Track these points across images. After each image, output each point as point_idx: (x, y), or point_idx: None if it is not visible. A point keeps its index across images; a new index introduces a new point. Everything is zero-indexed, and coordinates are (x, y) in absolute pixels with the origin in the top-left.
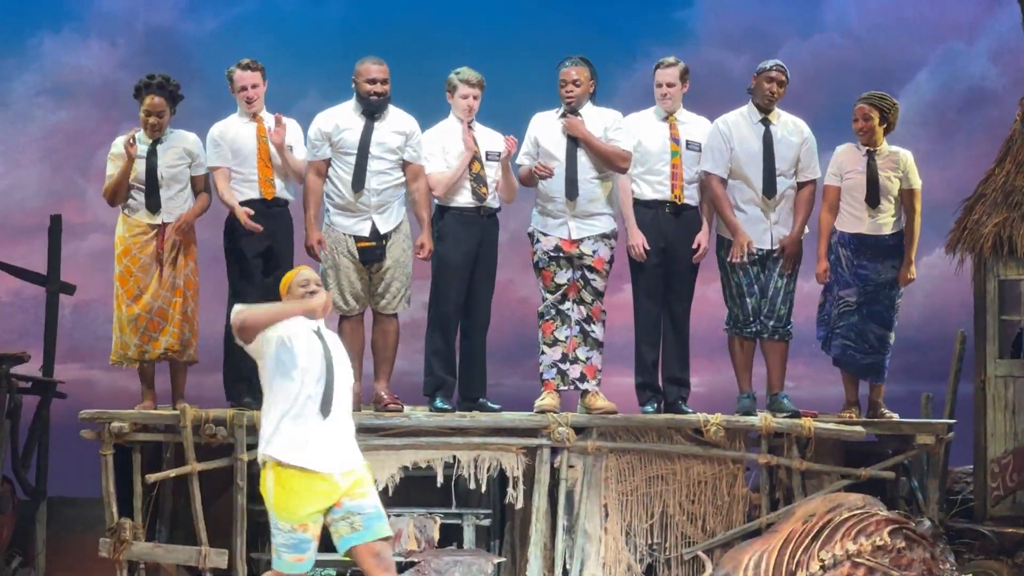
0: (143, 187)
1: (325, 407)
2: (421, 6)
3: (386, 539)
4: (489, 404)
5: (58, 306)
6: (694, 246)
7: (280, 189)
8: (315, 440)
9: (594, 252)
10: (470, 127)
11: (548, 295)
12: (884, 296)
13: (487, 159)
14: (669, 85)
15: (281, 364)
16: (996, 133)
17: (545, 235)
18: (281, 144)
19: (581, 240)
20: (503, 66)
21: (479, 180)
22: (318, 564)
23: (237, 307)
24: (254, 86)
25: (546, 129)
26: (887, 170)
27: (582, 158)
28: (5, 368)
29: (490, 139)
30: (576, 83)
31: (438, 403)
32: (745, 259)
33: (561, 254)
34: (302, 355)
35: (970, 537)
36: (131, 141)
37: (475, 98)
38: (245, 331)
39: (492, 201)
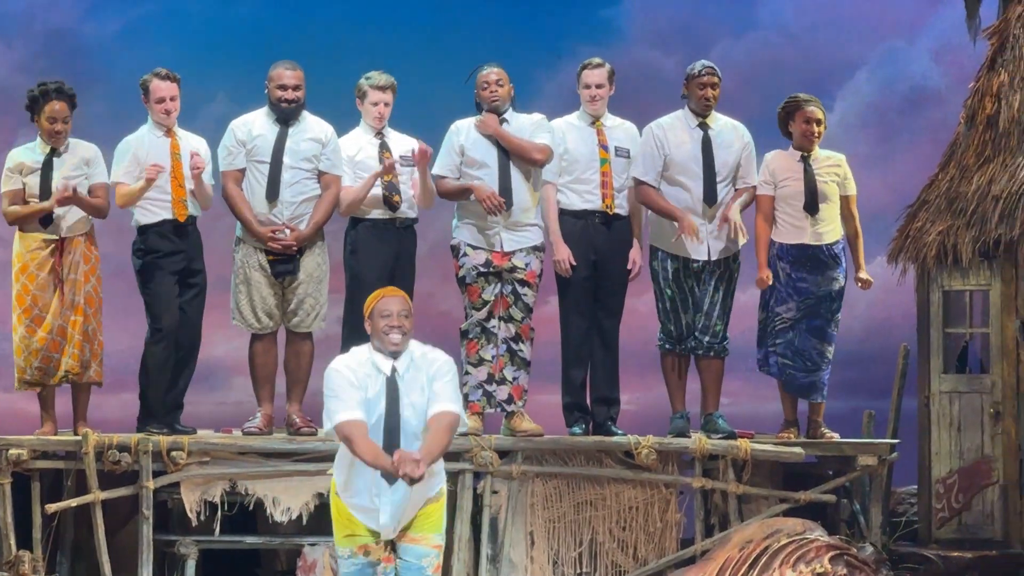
0: (37, 200)
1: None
2: (336, 6)
3: None
4: None
5: None
6: (628, 266)
7: (191, 208)
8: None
9: (526, 265)
10: (381, 134)
11: (474, 311)
12: (825, 309)
13: (401, 165)
14: (597, 87)
15: None
16: (939, 136)
17: (474, 248)
18: (199, 177)
19: (513, 253)
20: (419, 69)
21: (392, 188)
22: None
23: (339, 424)
24: (172, 98)
25: (470, 137)
26: (825, 176)
27: (514, 165)
28: None
29: (403, 144)
30: (499, 83)
31: None
32: (699, 238)
33: (491, 269)
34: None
35: (915, 562)
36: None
37: (386, 104)
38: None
39: (408, 210)
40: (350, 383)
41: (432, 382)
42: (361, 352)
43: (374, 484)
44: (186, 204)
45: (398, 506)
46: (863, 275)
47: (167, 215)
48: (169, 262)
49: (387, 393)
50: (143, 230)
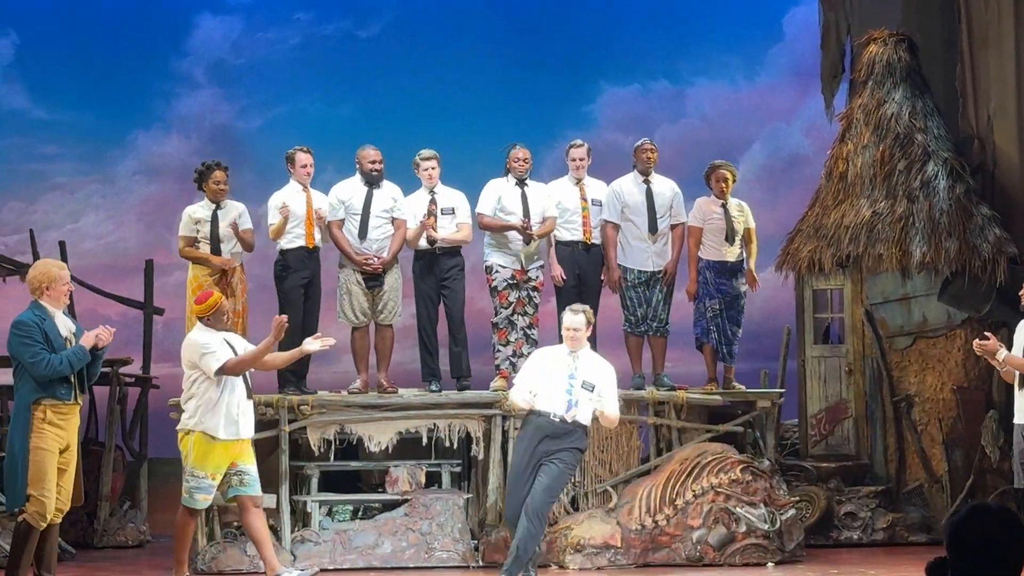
0: (208, 241)
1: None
2: (404, 108)
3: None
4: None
5: (152, 323)
6: (602, 277)
7: (317, 240)
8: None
9: (536, 277)
10: (432, 191)
11: (503, 310)
12: (735, 303)
13: (442, 214)
14: (580, 159)
15: None
16: (809, 186)
17: (503, 267)
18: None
19: (529, 270)
20: (462, 146)
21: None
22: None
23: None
24: (311, 164)
25: (506, 194)
26: (736, 216)
27: (535, 213)
28: (115, 369)
29: (450, 197)
30: (526, 160)
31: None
32: (614, 288)
33: (514, 280)
34: None
35: (797, 471)
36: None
37: (433, 168)
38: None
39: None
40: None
41: None
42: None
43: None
44: (315, 236)
45: None
46: (753, 276)
47: (302, 243)
48: (297, 277)
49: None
50: (283, 253)
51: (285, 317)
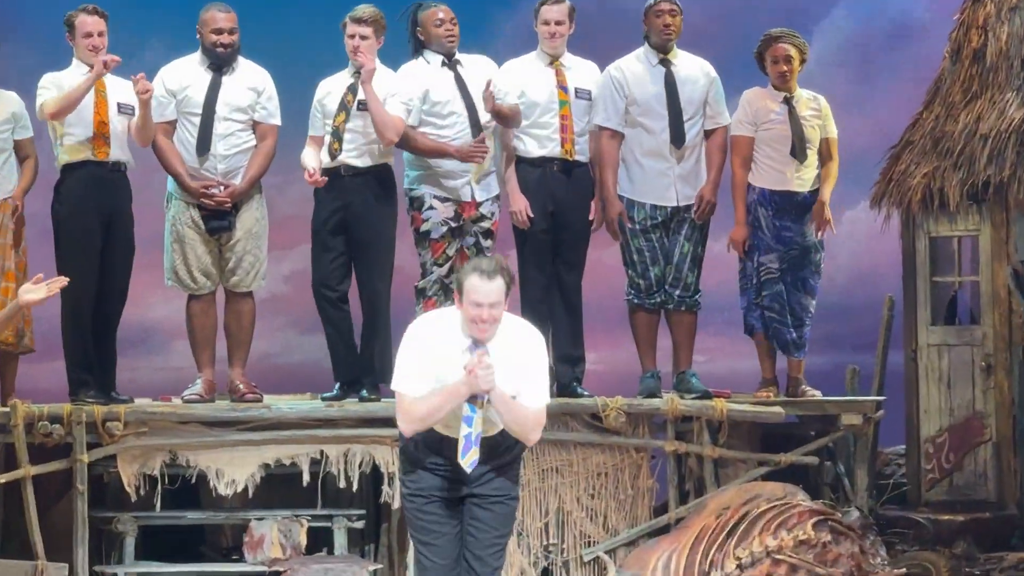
0: None
1: None
2: None
3: None
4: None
5: None
6: (591, 216)
7: (117, 151)
8: None
9: (492, 215)
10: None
11: (436, 268)
12: (809, 260)
13: (357, 109)
14: (557, 23)
15: None
16: (923, 73)
17: (443, 200)
18: (146, 102)
19: (482, 202)
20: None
21: (334, 135)
22: None
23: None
24: (100, 34)
25: (432, 82)
26: (808, 118)
27: (485, 112)
28: None
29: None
30: (453, 22)
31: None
32: (618, 237)
33: (459, 222)
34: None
35: (903, 526)
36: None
37: (363, 38)
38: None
39: (353, 158)
40: None
41: None
42: None
43: None
44: (108, 143)
45: None
46: (825, 213)
47: (89, 154)
48: (89, 210)
49: None
50: (65, 172)
51: (64, 281)
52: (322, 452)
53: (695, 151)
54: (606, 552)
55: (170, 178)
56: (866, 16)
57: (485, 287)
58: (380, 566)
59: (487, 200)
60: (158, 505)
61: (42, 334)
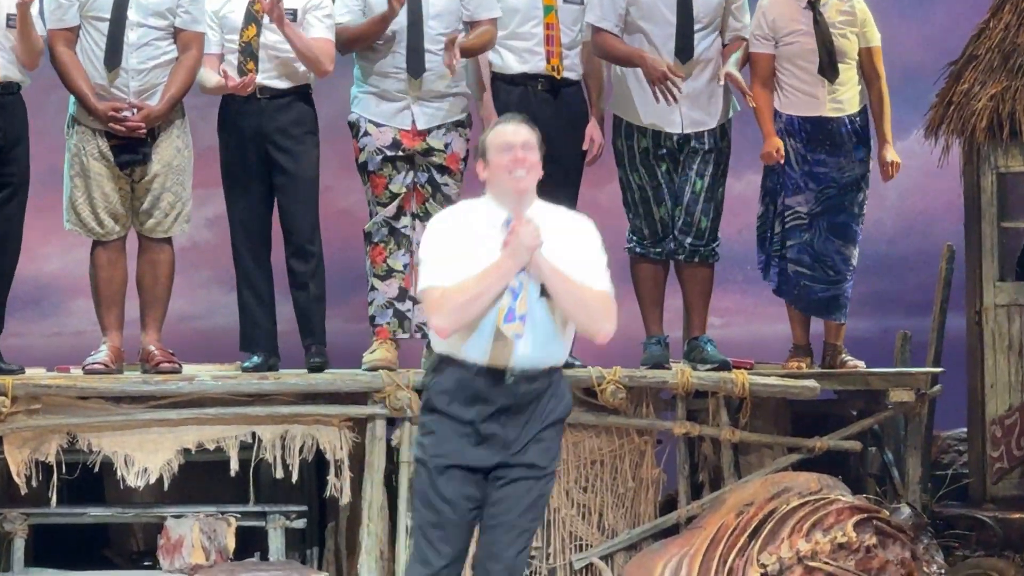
0: None
1: None
2: None
3: None
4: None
5: None
6: (584, 145)
7: (6, 68)
8: None
9: (446, 146)
10: None
11: (379, 208)
12: (849, 201)
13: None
14: None
15: None
16: None
17: (378, 126)
18: (25, 13)
19: (429, 131)
20: None
21: (247, 53)
22: None
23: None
24: None
25: None
26: (841, 27)
27: (431, 18)
28: None
29: None
30: None
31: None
32: (677, 88)
33: (400, 151)
34: None
35: (965, 527)
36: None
37: None
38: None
39: (272, 79)
40: None
41: None
42: None
43: None
44: None
45: None
46: (890, 155)
47: None
48: None
49: None
50: None
51: None
52: (254, 435)
53: (708, 68)
54: (601, 558)
55: (72, 98)
56: None
57: (512, 127)
58: (325, 574)
59: (437, 128)
60: (53, 499)
61: None
